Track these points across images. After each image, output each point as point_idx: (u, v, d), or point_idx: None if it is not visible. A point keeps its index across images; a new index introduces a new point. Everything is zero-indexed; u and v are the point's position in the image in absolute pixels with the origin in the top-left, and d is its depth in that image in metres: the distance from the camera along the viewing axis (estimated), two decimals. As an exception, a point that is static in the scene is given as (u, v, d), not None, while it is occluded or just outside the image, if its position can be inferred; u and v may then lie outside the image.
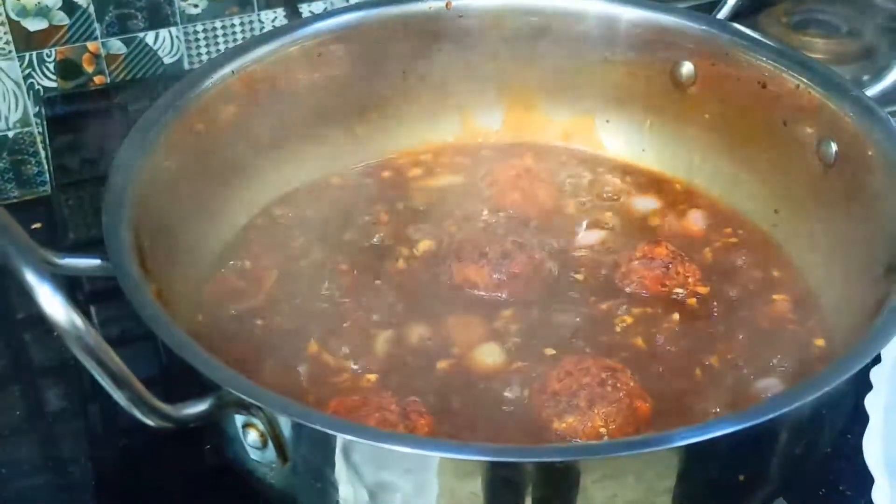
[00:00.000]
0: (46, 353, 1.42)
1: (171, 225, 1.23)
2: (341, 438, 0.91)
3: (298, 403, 0.95)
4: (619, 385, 1.11)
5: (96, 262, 1.06)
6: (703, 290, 1.28)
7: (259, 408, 0.92)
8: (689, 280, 1.28)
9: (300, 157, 1.43)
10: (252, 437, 0.95)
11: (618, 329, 1.24)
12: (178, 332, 0.98)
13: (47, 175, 1.73)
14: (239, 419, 0.95)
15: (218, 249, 1.33)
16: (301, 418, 0.91)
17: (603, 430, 1.09)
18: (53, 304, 0.82)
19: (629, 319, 1.24)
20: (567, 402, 1.10)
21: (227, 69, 1.33)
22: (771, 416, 0.93)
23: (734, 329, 1.23)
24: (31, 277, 0.83)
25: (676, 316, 1.25)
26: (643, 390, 1.13)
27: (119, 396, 0.86)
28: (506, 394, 1.15)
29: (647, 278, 1.27)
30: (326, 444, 0.93)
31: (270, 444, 0.95)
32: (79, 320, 0.82)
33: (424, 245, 1.34)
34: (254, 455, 0.97)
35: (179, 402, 0.91)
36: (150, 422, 0.89)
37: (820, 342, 1.22)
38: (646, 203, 1.44)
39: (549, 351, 1.20)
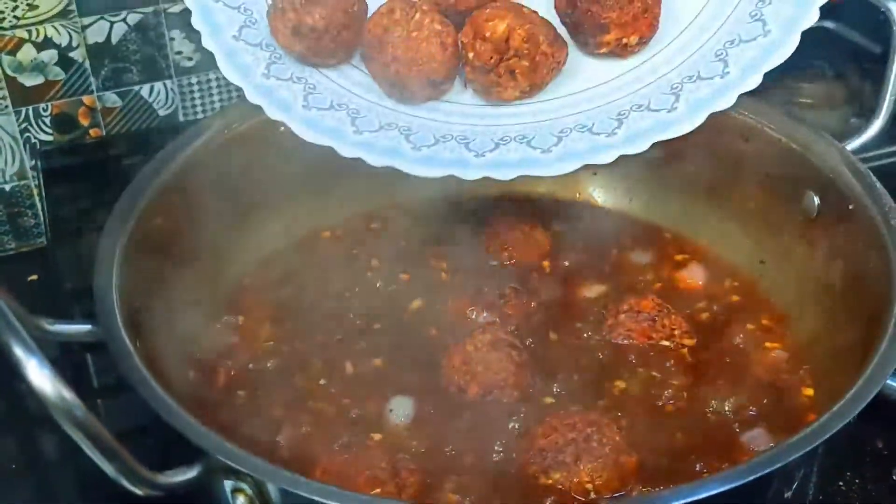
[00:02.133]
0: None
1: (162, 284, 1.25)
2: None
3: (287, 471, 0.96)
4: (604, 440, 1.13)
5: (86, 327, 1.08)
6: (689, 342, 1.29)
7: (248, 474, 0.94)
8: (675, 332, 1.29)
9: (291, 212, 1.46)
10: (241, 502, 0.96)
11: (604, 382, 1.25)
12: (166, 399, 0.99)
13: (44, 227, 1.74)
14: (228, 484, 0.96)
15: (211, 305, 1.34)
16: (290, 486, 0.93)
17: (589, 485, 1.10)
18: (42, 379, 0.84)
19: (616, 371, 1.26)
20: (553, 458, 1.12)
21: (217, 129, 1.35)
22: (753, 476, 0.95)
23: (720, 379, 1.24)
24: (18, 352, 0.84)
25: (664, 367, 1.26)
26: (628, 445, 1.14)
27: (108, 468, 0.87)
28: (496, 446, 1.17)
29: (635, 331, 1.29)
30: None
31: (259, 510, 0.96)
32: (67, 394, 0.84)
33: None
34: (242, 520, 0.99)
35: (168, 470, 0.93)
36: (139, 491, 0.90)
37: (809, 391, 1.23)
38: (639, 256, 1.45)
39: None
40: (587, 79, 1.39)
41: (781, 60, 1.33)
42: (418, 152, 1.32)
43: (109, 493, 1.19)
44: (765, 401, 1.22)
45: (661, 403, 1.23)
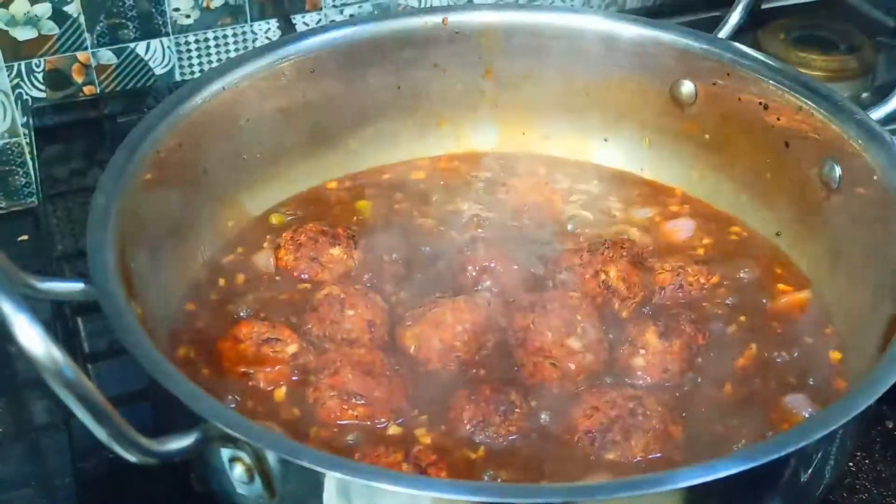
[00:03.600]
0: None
1: (158, 244, 1.20)
2: (329, 475, 0.88)
3: (286, 439, 0.92)
4: (648, 413, 1.09)
5: (79, 285, 1.03)
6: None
7: (246, 442, 0.89)
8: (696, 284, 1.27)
9: (292, 172, 1.42)
10: (238, 471, 0.92)
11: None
12: (162, 362, 0.94)
13: (35, 186, 1.70)
14: (225, 453, 0.92)
15: (207, 267, 1.30)
16: (289, 454, 0.88)
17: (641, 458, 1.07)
18: (31, 336, 0.78)
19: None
20: (602, 439, 1.08)
21: (217, 85, 1.30)
22: (777, 455, 0.91)
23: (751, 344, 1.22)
24: (6, 308, 0.78)
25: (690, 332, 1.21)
26: (671, 413, 1.11)
27: (100, 432, 0.82)
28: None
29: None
30: (315, 481, 0.90)
31: (257, 478, 0.92)
32: (57, 353, 0.79)
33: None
34: (240, 489, 0.94)
35: (163, 436, 0.88)
36: (132, 458, 0.86)
37: (836, 355, 1.21)
38: (679, 224, 1.41)
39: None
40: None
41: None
42: None
43: (102, 459, 1.19)
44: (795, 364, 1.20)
45: (692, 371, 1.19)
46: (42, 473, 1.27)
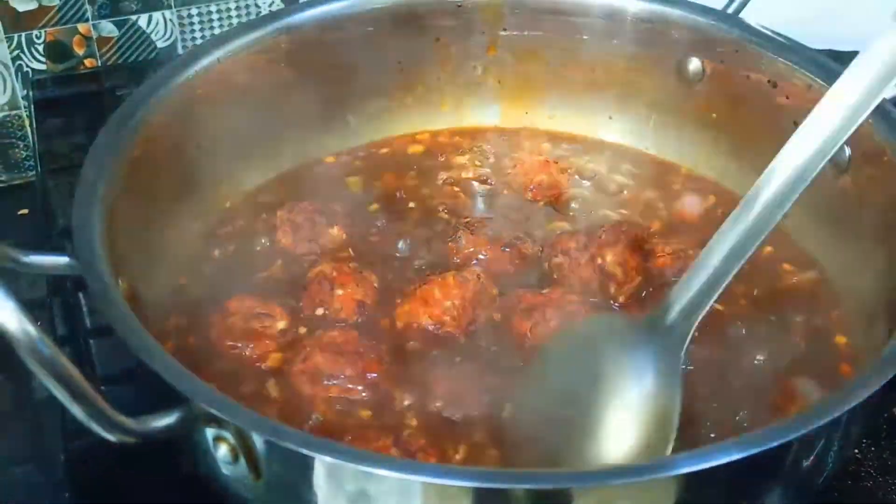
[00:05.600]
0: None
1: (149, 218, 1.19)
2: (315, 457, 0.86)
3: (270, 420, 0.89)
4: None
5: (64, 259, 1.01)
6: None
7: (229, 422, 0.87)
8: None
9: (288, 147, 1.40)
10: (223, 451, 0.90)
11: None
12: (147, 339, 0.92)
13: (35, 160, 1.68)
14: (209, 432, 0.90)
15: (199, 242, 1.28)
16: (273, 436, 0.86)
17: None
18: (4, 310, 0.76)
19: None
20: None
21: (212, 57, 1.28)
22: (772, 444, 0.88)
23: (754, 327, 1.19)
24: (-22, 279, 0.76)
25: None
26: None
27: (76, 411, 0.80)
28: None
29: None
30: (301, 462, 0.88)
31: (242, 459, 0.90)
32: (32, 329, 0.77)
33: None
34: (225, 470, 0.92)
35: (144, 415, 0.86)
36: (111, 437, 0.84)
37: (842, 339, 1.18)
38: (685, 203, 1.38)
39: None
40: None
41: None
42: None
43: (96, 439, 1.17)
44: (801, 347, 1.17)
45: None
46: (37, 452, 1.25)
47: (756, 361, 1.15)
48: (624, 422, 1.01)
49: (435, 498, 0.87)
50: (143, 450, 0.97)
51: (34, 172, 1.70)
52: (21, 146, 1.70)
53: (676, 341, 1.03)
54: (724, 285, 1.03)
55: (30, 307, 1.30)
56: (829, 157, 1.04)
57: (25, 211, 1.62)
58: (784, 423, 0.92)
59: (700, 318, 1.03)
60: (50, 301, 1.36)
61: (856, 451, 1.17)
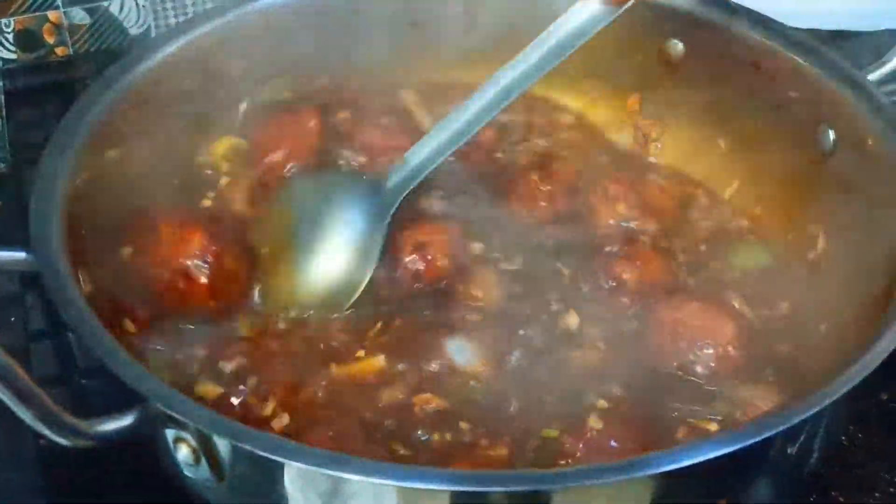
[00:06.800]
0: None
1: (114, 209, 1.15)
2: (279, 461, 0.83)
3: (231, 421, 0.86)
4: None
5: (20, 255, 0.98)
6: None
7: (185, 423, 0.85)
8: None
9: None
10: (184, 452, 0.88)
11: None
12: (103, 336, 0.90)
13: (6, 151, 1.65)
14: (169, 433, 0.87)
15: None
16: (234, 438, 0.84)
17: None
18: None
19: None
20: None
21: (177, 42, 1.25)
22: (752, 440, 0.86)
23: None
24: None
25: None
26: None
27: (24, 414, 0.78)
28: None
29: None
30: (263, 465, 0.85)
31: (203, 460, 0.87)
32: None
33: None
34: (187, 471, 0.90)
35: (97, 417, 0.83)
36: (64, 441, 0.81)
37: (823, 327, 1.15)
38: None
39: None
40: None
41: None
42: None
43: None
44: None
45: None
46: (12, 453, 1.20)
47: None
48: (336, 249, 1.19)
49: (404, 499, 0.85)
50: (122, 451, 0.95)
51: (5, 164, 1.67)
52: (-9, 138, 1.67)
53: (389, 202, 1.19)
54: (429, 169, 1.19)
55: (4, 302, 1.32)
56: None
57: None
58: (764, 418, 0.91)
59: (408, 190, 1.19)
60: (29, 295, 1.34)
61: (843, 437, 1.16)
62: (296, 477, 0.85)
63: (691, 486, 0.88)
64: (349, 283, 1.17)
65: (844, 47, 1.56)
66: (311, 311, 1.15)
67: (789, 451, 0.95)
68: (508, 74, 1.17)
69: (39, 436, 1.11)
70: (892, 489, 1.13)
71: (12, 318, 1.34)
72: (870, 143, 1.14)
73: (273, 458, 0.83)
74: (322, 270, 1.18)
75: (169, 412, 0.84)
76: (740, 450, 0.85)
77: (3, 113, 1.61)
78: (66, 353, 1.23)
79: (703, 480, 0.88)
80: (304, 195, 1.25)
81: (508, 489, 0.84)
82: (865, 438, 1.17)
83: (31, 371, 1.15)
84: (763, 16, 1.28)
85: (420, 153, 1.20)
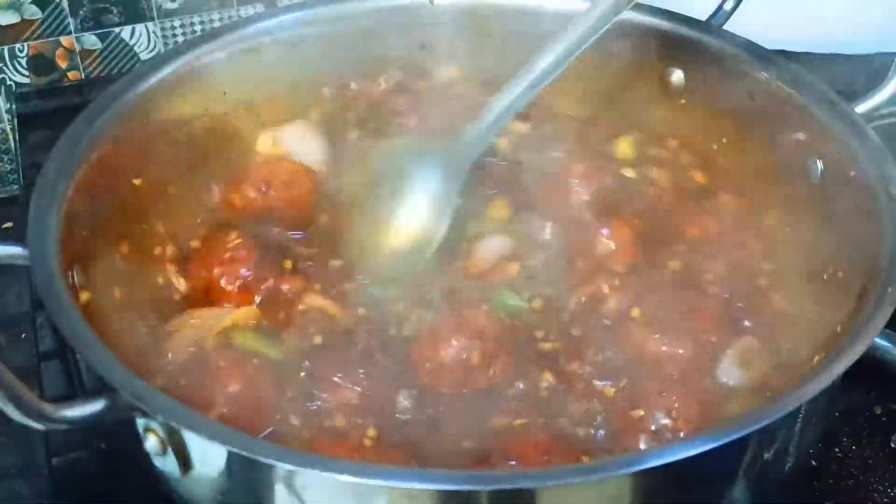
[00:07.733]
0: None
1: (115, 216, 1.16)
2: (245, 455, 0.83)
3: (195, 412, 0.87)
4: None
5: (17, 249, 0.99)
6: None
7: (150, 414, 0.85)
8: None
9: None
10: (152, 442, 0.88)
11: None
12: (76, 322, 0.91)
13: (19, 173, 1.68)
14: (140, 422, 0.88)
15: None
16: (197, 430, 0.84)
17: None
18: None
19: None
20: None
21: (181, 60, 1.26)
22: (729, 438, 0.86)
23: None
24: None
25: None
26: None
27: (-7, 398, 0.78)
28: None
29: None
30: (230, 458, 0.86)
31: (170, 451, 0.88)
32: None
33: None
34: (155, 461, 0.90)
35: (68, 401, 0.84)
36: (36, 425, 0.82)
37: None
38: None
39: None
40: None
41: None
42: None
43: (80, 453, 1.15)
44: None
45: None
46: (24, 466, 1.25)
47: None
48: (417, 206, 1.25)
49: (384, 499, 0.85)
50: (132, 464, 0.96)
51: (18, 186, 1.70)
52: (5, 159, 1.70)
53: (464, 161, 1.25)
54: (499, 127, 1.25)
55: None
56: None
57: (10, 224, 1.61)
58: (738, 418, 0.93)
59: (479, 151, 1.25)
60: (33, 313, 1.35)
61: (836, 449, 1.17)
62: (258, 469, 0.85)
63: (671, 486, 0.89)
64: (428, 238, 1.23)
65: (838, 71, 1.57)
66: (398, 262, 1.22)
67: (765, 456, 0.95)
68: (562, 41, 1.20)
69: (52, 451, 1.15)
70: (886, 501, 1.13)
71: (23, 335, 1.36)
72: (851, 174, 1.14)
73: (235, 450, 0.83)
74: (404, 225, 1.24)
75: (135, 402, 0.85)
76: (715, 450, 0.85)
77: (16, 136, 1.64)
78: (76, 372, 1.23)
79: (682, 481, 0.88)
80: (387, 157, 1.31)
81: (491, 488, 0.83)
82: (858, 451, 1.17)
83: (42, 390, 1.21)
84: (758, 47, 1.29)
85: (488, 116, 1.23)
